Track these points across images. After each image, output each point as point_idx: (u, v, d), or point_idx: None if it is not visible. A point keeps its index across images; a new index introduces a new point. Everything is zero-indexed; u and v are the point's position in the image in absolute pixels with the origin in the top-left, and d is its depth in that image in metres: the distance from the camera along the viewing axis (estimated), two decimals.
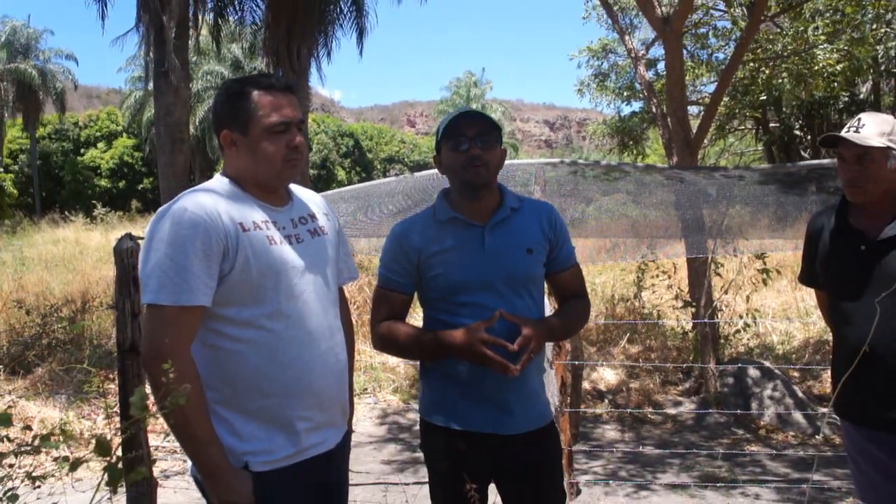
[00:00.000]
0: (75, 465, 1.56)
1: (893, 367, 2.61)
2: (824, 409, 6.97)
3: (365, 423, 7.45)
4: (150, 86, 10.05)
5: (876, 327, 2.59)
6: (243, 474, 2.03)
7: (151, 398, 1.87)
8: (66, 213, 29.56)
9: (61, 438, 1.88)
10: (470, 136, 2.41)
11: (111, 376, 7.31)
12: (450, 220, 2.49)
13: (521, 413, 2.47)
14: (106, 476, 1.50)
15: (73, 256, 16.71)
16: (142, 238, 3.53)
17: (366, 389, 8.36)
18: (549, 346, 3.57)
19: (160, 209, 2.09)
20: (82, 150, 43.84)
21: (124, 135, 43.88)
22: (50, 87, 41.46)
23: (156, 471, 5.09)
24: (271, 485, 2.05)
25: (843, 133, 2.69)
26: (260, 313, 2.06)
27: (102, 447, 1.50)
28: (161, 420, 1.88)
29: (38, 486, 1.91)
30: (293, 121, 2.13)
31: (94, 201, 32.77)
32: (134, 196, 38.93)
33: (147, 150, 40.44)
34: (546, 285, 2.67)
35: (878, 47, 10.80)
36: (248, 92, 2.11)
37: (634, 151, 14.32)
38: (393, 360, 8.85)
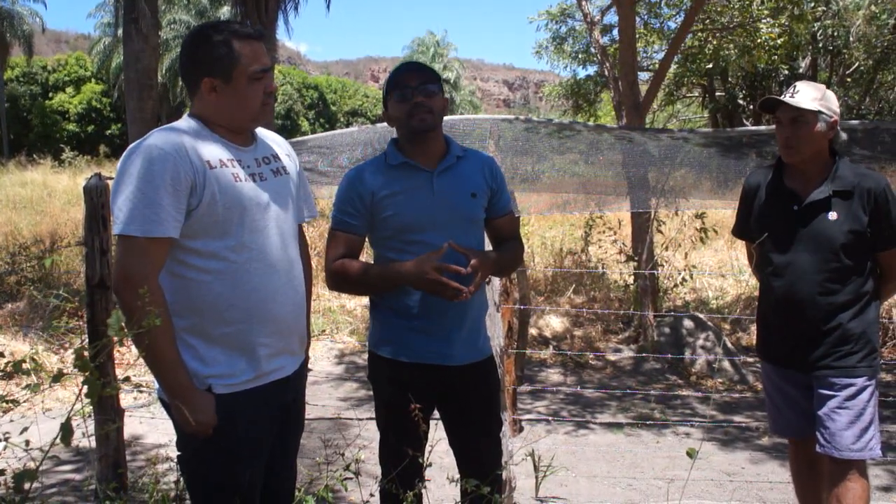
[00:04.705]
0: (58, 377, 1.63)
1: (813, 317, 2.92)
2: (749, 359, 7.48)
3: (323, 362, 7.62)
4: (120, 32, 9.87)
5: (800, 280, 2.91)
6: (207, 395, 2.14)
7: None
8: (34, 156, 28.74)
9: (31, 366, 2.03)
10: (413, 86, 2.55)
11: (79, 313, 7.43)
12: (400, 164, 2.62)
13: (463, 346, 2.64)
14: (81, 397, 1.56)
15: (40, 198, 16.32)
16: (110, 178, 3.73)
17: (324, 331, 8.48)
18: (496, 291, 3.87)
19: (131, 145, 2.17)
20: (51, 94, 42.75)
21: (93, 80, 42.95)
22: (17, 29, 39.98)
23: (122, 402, 5.30)
24: (233, 406, 2.17)
25: (781, 97, 2.97)
26: (224, 246, 2.16)
27: (82, 361, 1.56)
28: (127, 355, 2.04)
29: (10, 410, 1.92)
30: (268, 67, 2.24)
31: (62, 145, 32.05)
32: (102, 141, 38.16)
33: (116, 95, 39.72)
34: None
35: (815, 24, 11.26)
36: (229, 41, 2.17)
37: (588, 113, 14.68)
38: (351, 304, 9.04)
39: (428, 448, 2.34)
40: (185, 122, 2.26)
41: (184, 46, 2.27)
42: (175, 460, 2.33)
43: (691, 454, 1.69)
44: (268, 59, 2.24)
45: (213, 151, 2.18)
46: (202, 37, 2.22)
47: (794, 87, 2.98)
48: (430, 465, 2.33)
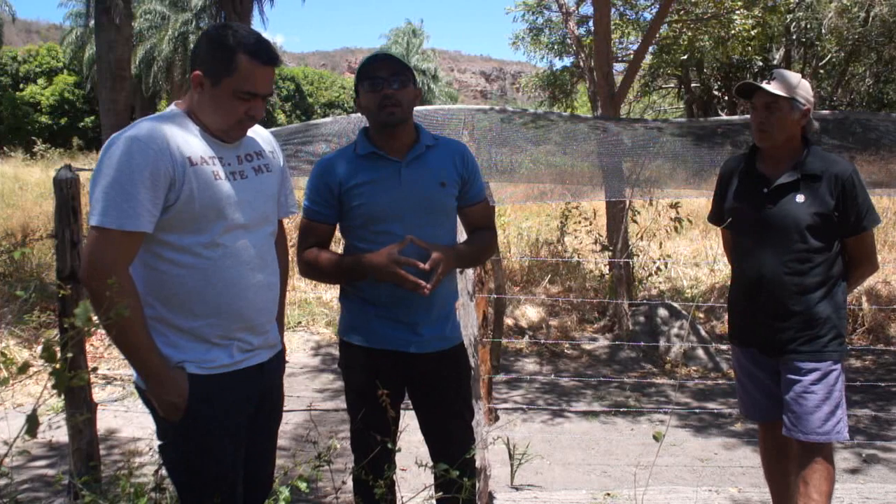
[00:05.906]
0: (23, 368, 1.61)
1: (780, 298, 2.97)
2: (722, 347, 7.58)
3: (299, 354, 7.62)
4: (92, 22, 9.68)
5: (768, 260, 2.96)
6: (180, 372, 2.15)
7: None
8: (5, 148, 28.17)
9: (0, 360, 1.97)
10: (384, 78, 2.54)
11: (51, 307, 7.34)
12: (369, 154, 2.61)
13: (431, 334, 2.65)
14: (48, 389, 1.56)
15: (12, 192, 15.98)
16: (81, 169, 3.69)
17: (300, 323, 8.47)
18: (469, 280, 3.88)
19: (114, 135, 2.14)
20: (21, 86, 41.52)
21: (65, 71, 41.84)
22: None
23: (96, 397, 5.27)
24: (209, 388, 2.18)
25: (757, 83, 3.05)
26: (199, 242, 2.15)
27: (49, 352, 1.54)
28: (101, 349, 2.02)
29: None
30: (262, 94, 2.22)
31: (34, 137, 31.35)
32: (75, 133, 37.21)
33: (89, 87, 38.65)
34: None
35: (789, 16, 11.38)
36: (236, 51, 2.15)
37: (564, 104, 14.75)
38: (327, 295, 9.04)
39: (404, 438, 2.35)
40: (172, 112, 2.25)
41: (202, 34, 2.29)
42: (152, 451, 2.33)
43: (657, 437, 1.72)
44: (266, 86, 2.22)
45: (195, 147, 2.17)
46: (217, 36, 2.22)
47: (771, 73, 3.08)
48: (400, 450, 2.34)
